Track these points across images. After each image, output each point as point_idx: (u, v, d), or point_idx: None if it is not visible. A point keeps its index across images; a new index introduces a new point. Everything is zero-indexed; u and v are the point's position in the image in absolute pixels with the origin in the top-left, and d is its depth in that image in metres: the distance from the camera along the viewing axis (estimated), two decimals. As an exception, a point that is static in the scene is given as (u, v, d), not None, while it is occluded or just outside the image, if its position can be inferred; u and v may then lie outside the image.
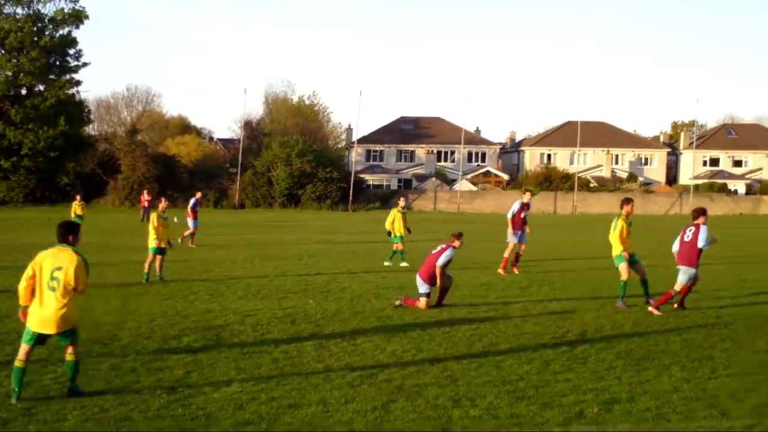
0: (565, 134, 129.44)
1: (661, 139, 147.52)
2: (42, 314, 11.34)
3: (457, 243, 20.75)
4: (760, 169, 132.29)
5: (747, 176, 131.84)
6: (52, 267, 11.41)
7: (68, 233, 11.75)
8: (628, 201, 21.38)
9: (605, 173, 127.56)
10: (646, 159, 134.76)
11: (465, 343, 15.63)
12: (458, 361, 13.98)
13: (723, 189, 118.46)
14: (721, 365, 13.91)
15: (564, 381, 12.68)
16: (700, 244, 19.48)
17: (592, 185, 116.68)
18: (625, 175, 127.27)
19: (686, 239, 19.76)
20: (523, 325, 17.71)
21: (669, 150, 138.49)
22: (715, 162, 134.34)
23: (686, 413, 11.07)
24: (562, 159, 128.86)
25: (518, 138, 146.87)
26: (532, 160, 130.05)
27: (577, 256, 35.62)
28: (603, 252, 37.16)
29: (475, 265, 29.74)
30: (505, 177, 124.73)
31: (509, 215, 28.48)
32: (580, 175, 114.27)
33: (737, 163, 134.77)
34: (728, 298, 22.34)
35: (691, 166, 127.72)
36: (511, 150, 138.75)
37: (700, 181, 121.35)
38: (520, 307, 20.11)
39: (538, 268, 29.46)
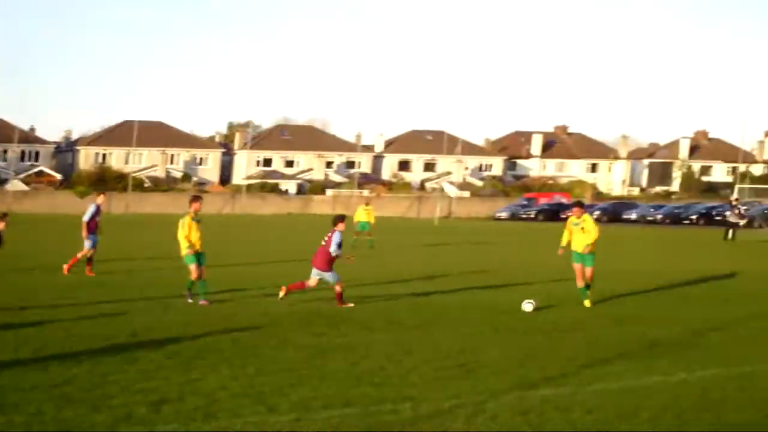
0: (121, 133, 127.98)
1: (217, 139, 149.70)
2: None
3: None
4: (311, 169, 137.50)
5: (298, 176, 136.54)
6: None
7: None
8: (196, 198, 21.98)
9: (160, 173, 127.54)
10: (201, 159, 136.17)
11: (11, 348, 15.04)
12: (7, 367, 13.43)
13: (275, 189, 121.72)
14: (268, 362, 14.26)
15: (113, 383, 12.49)
16: (331, 249, 20.55)
17: (146, 185, 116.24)
18: (179, 175, 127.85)
19: (323, 243, 20.87)
20: (72, 328, 17.30)
21: (224, 150, 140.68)
22: (268, 162, 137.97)
23: (234, 410, 11.23)
24: (117, 159, 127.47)
25: (75, 136, 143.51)
26: (87, 159, 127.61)
27: (129, 257, 35.32)
28: (158, 252, 37.27)
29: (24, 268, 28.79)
30: (59, 177, 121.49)
31: (85, 218, 28.03)
32: (135, 175, 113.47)
33: (289, 164, 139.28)
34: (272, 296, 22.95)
35: (246, 166, 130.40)
36: (66, 149, 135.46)
37: (253, 181, 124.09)
38: (70, 310, 19.64)
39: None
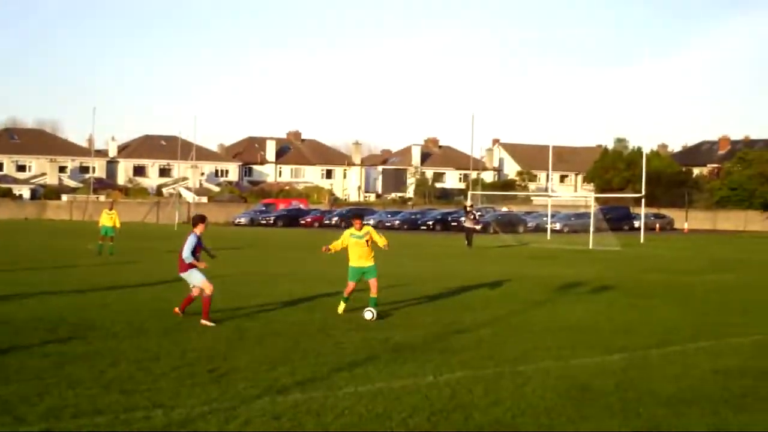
0: None
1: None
2: None
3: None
4: (44, 174, 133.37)
5: (31, 181, 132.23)
6: None
7: None
8: None
9: None
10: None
11: None
12: None
13: (8, 194, 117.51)
14: (12, 371, 13.72)
15: None
16: (183, 255, 19.73)
17: None
18: None
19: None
20: None
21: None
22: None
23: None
24: None
25: None
26: None
27: None
28: None
29: None
30: None
31: None
32: None
33: (21, 168, 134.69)
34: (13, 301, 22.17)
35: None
36: None
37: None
38: None
39: None
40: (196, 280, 19.85)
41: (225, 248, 48.97)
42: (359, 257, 21.21)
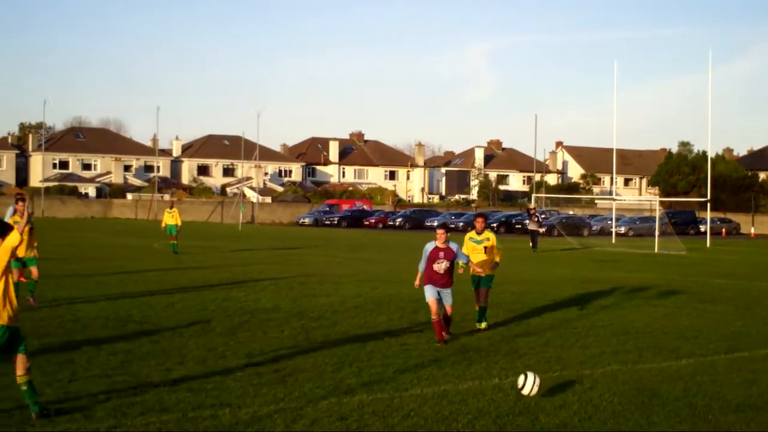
0: None
1: (10, 141, 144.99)
2: None
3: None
4: (110, 173, 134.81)
5: (97, 179, 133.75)
6: None
7: None
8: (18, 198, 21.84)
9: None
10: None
11: None
12: None
13: (74, 192, 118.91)
14: (81, 368, 13.89)
15: None
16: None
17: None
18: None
19: None
20: None
21: (18, 152, 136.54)
22: (65, 165, 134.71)
23: (49, 417, 10.92)
24: None
25: None
26: None
27: None
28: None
29: None
30: None
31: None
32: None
33: (86, 167, 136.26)
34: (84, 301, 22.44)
35: (41, 168, 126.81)
36: None
37: (51, 184, 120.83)
38: None
39: None
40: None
41: (290, 248, 49.22)
42: (477, 263, 18.96)
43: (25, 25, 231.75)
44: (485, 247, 19.29)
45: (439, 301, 17.47)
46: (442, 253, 17.47)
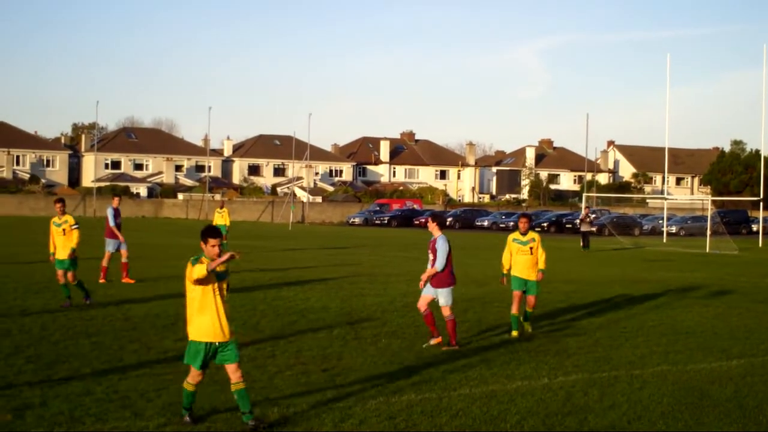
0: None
1: (63, 141, 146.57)
2: None
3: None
4: (161, 172, 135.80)
5: (148, 179, 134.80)
6: None
7: None
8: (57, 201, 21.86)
9: (6, 174, 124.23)
10: (48, 160, 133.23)
11: None
12: None
13: (126, 192, 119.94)
14: (130, 366, 14.03)
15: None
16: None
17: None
18: (27, 177, 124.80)
19: None
20: None
21: (71, 152, 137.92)
22: (116, 165, 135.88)
23: (99, 415, 11.06)
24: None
25: None
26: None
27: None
28: (8, 255, 36.37)
29: None
30: None
31: (112, 223, 27.28)
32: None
33: (138, 167, 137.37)
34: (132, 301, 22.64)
35: (93, 168, 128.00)
36: None
37: (103, 184, 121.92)
38: None
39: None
40: None
41: (339, 248, 49.34)
42: (522, 266, 18.55)
43: (79, 27, 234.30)
44: (530, 248, 18.53)
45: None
46: (431, 245, 17.31)
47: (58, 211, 21.58)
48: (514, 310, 18.36)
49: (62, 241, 21.13)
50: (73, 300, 20.97)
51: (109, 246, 27.32)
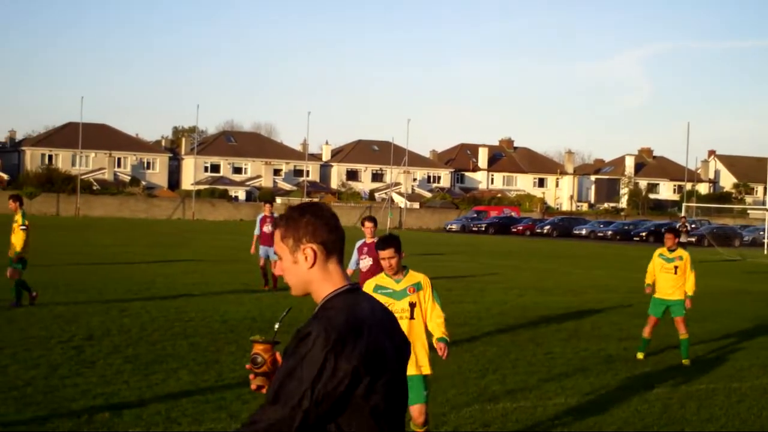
0: (67, 135, 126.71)
1: (163, 144, 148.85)
2: None
3: None
4: (260, 176, 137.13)
5: (247, 183, 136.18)
6: None
7: None
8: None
9: (108, 176, 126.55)
10: (149, 163, 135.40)
11: (-35, 349, 14.86)
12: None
13: (224, 195, 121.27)
14: (227, 369, 14.18)
15: (72, 386, 12.40)
16: None
17: (95, 188, 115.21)
18: (128, 179, 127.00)
19: None
20: (29, 329, 17.14)
21: (171, 155, 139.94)
22: (216, 168, 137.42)
23: (196, 416, 11.18)
24: (64, 160, 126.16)
25: (19, 137, 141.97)
26: (33, 160, 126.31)
27: (83, 260, 34.95)
28: (110, 255, 37.06)
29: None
30: (6, 177, 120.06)
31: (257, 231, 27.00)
32: (83, 177, 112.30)
33: (237, 170, 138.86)
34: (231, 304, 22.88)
35: (193, 171, 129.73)
36: (11, 150, 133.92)
37: (202, 187, 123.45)
38: (24, 311, 19.44)
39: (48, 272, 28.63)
40: None
41: (436, 254, 49.37)
42: (664, 285, 17.04)
43: (181, 32, 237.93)
44: (675, 267, 16.83)
45: None
46: (366, 248, 16.18)
47: (12, 209, 20.34)
48: (645, 333, 17.00)
49: (14, 239, 20.14)
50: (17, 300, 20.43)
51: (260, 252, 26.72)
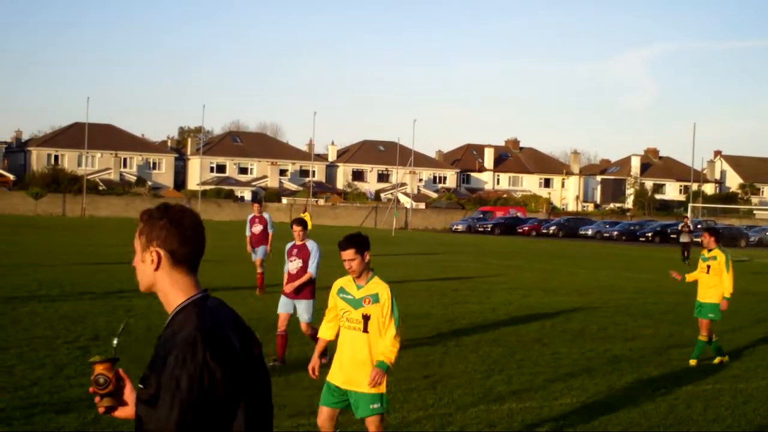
0: (73, 135, 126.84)
1: (169, 144, 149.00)
2: None
3: None
4: (266, 176, 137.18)
5: (253, 183, 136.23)
6: None
7: None
8: None
9: (114, 176, 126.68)
10: (155, 163, 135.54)
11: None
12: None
13: (230, 195, 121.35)
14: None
15: (78, 386, 12.39)
16: None
17: (101, 188, 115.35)
18: (134, 179, 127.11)
19: None
20: (34, 329, 17.16)
21: (177, 155, 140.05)
22: (221, 168, 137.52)
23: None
24: (70, 161, 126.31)
25: (25, 137, 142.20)
26: (39, 160, 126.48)
27: (89, 260, 34.99)
28: (118, 255, 37.09)
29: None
30: (12, 177, 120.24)
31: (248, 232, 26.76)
32: (88, 177, 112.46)
33: (243, 170, 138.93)
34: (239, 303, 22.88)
35: (199, 171, 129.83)
36: (17, 150, 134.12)
37: (208, 187, 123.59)
38: (28, 311, 19.47)
39: (50, 271, 28.70)
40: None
41: (442, 254, 49.33)
42: (699, 285, 16.88)
43: (186, 32, 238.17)
44: (708, 266, 16.61)
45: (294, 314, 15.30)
46: (296, 250, 15.41)
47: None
48: (702, 334, 16.53)
49: None
50: None
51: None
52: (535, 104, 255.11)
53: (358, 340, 8.83)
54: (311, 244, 15.37)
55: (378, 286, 8.98)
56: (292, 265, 15.27)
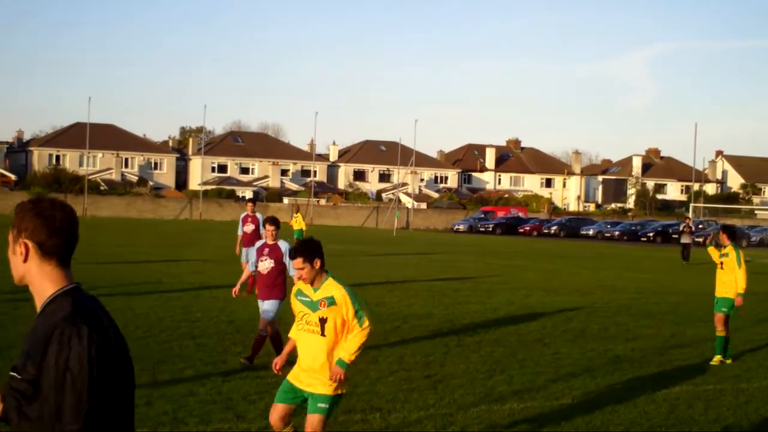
0: (74, 135, 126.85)
1: (170, 144, 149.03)
2: None
3: None
4: (267, 176, 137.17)
5: (254, 183, 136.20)
6: None
7: None
8: None
9: (115, 176, 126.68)
10: (156, 163, 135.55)
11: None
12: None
13: (231, 195, 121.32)
14: (234, 369, 14.17)
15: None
16: None
17: (102, 188, 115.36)
18: (135, 179, 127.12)
19: None
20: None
21: (178, 155, 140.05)
22: (223, 168, 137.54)
23: (203, 416, 11.18)
24: (71, 161, 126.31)
25: (26, 137, 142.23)
26: (40, 160, 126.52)
27: (90, 260, 34.92)
28: (119, 254, 37.07)
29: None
30: (13, 177, 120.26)
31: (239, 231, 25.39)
32: (90, 177, 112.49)
33: (244, 170, 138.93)
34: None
35: (200, 171, 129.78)
36: (19, 150, 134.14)
37: (209, 187, 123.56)
38: (30, 311, 19.42)
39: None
40: None
41: (443, 254, 49.32)
42: (719, 284, 17.21)
43: (187, 32, 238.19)
44: (721, 263, 16.95)
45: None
46: (267, 250, 15.17)
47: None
48: (718, 331, 16.78)
49: None
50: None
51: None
52: (536, 104, 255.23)
53: (317, 344, 8.66)
54: (283, 245, 15.15)
55: (332, 287, 8.70)
56: (263, 265, 15.04)
